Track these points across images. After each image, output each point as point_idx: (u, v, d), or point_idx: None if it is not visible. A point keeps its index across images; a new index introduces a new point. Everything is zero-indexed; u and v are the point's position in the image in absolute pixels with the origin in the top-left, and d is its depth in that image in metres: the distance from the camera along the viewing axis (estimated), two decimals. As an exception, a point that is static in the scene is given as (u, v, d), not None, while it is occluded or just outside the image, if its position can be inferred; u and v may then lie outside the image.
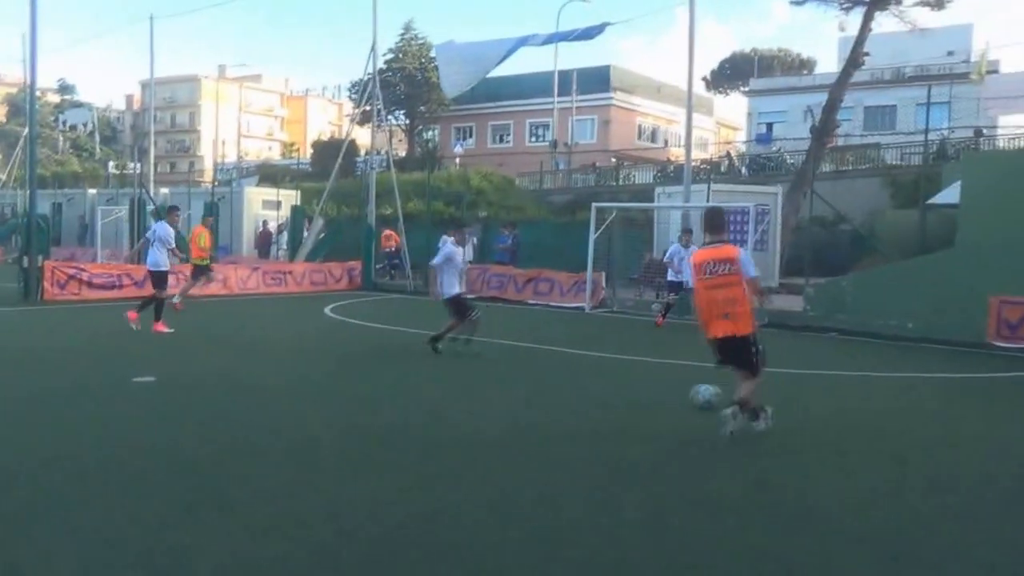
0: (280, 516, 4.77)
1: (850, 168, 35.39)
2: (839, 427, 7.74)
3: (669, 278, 16.06)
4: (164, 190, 35.97)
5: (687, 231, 16.22)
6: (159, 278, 13.03)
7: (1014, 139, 34.27)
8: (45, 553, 4.19)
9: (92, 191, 39.08)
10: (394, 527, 4.64)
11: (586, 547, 4.44)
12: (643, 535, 4.66)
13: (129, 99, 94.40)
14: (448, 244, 11.90)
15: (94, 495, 5.11)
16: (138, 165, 44.12)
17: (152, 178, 32.91)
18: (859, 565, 4.28)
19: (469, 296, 12.91)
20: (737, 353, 7.09)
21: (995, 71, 40.83)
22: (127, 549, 4.25)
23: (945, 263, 14.24)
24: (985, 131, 35.57)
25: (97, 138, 75.73)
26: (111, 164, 63.36)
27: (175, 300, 15.67)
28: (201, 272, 17.06)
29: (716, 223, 7.41)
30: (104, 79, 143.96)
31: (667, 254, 16.35)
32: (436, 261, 11.39)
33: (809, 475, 6.00)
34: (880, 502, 5.37)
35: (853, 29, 26.55)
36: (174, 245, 13.15)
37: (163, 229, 13.09)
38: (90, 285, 18.03)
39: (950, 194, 21.46)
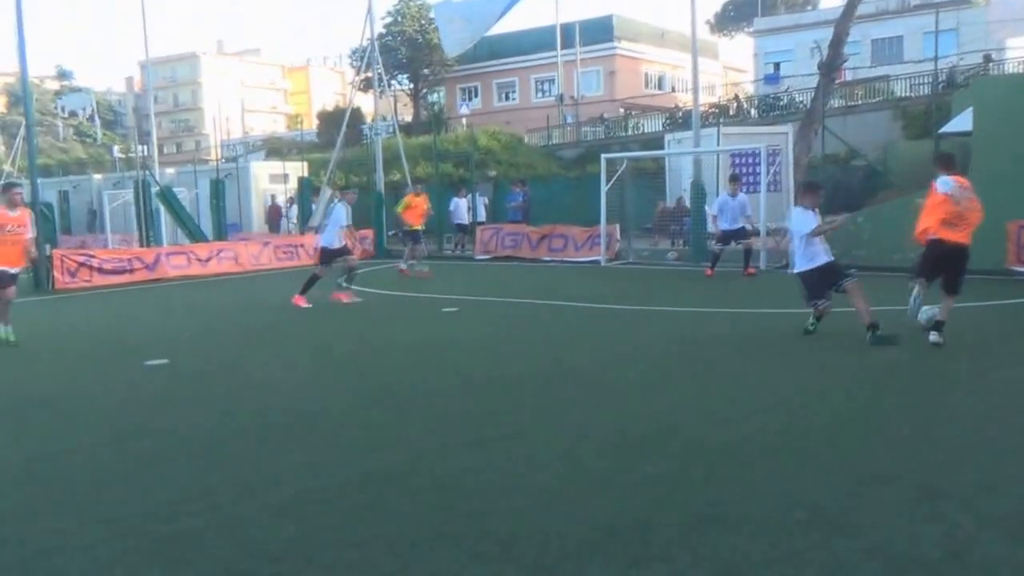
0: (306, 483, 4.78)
1: (860, 103, 34.89)
2: (861, 366, 7.67)
3: (723, 226, 15.17)
4: (170, 170, 35.96)
5: (735, 179, 15.80)
6: (327, 255, 13.34)
7: (1023, 62, 33.57)
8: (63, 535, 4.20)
9: (98, 177, 39.14)
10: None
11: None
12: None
13: (129, 81, 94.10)
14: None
15: (110, 478, 5.12)
16: (143, 148, 44.02)
17: (157, 159, 32.84)
18: (892, 502, 4.24)
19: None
20: (959, 263, 8.32)
21: (1001, -7, 39.95)
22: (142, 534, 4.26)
23: (962, 192, 14.01)
24: (994, 55, 34.84)
25: (98, 122, 75.63)
26: (115, 148, 63.28)
27: (406, 267, 17.55)
28: (412, 237, 17.59)
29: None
30: (103, 63, 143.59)
31: (714, 205, 15.76)
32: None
33: (833, 417, 5.95)
34: (907, 441, 5.32)
35: (857, -39, 25.92)
36: (350, 223, 13.37)
37: (339, 211, 13.35)
38: (101, 271, 18.01)
39: (962, 122, 21.08)
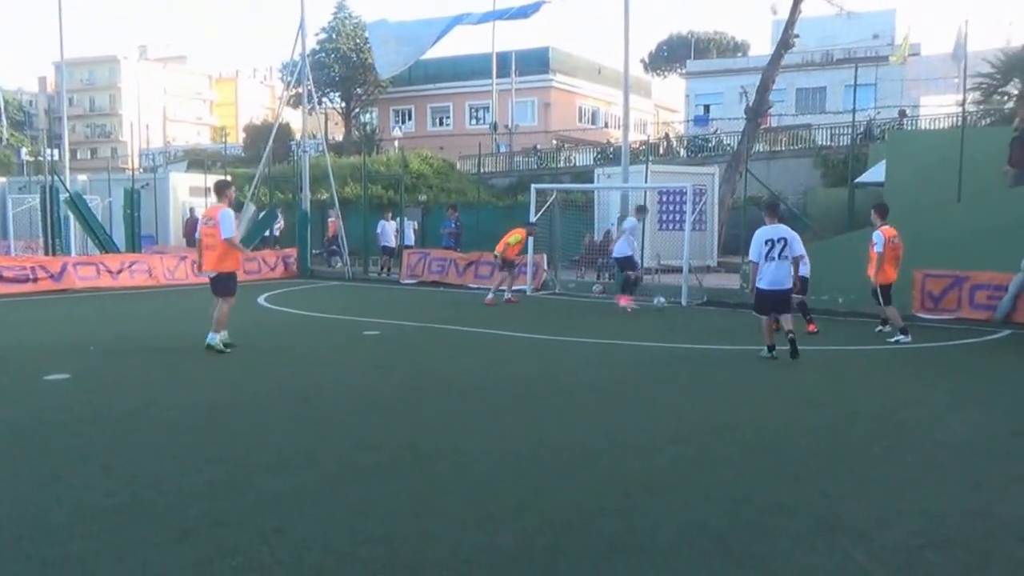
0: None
1: (783, 149, 36.09)
2: (773, 400, 7.89)
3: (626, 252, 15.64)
4: (82, 177, 34.75)
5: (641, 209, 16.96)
6: (626, 263, 15.43)
7: (935, 119, 35.33)
8: None
9: (2, 180, 37.54)
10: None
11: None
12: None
13: (42, 81, 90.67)
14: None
15: (3, 499, 4.90)
16: (53, 152, 42.40)
17: (68, 164, 31.65)
18: (792, 533, 4.34)
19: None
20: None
21: (916, 54, 42.08)
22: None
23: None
24: (908, 111, 36.60)
25: (4, 122, 72.60)
26: (23, 151, 60.82)
27: (505, 296, 16.69)
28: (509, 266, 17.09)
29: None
30: (14, 60, 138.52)
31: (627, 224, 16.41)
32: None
33: (744, 448, 6.08)
34: (811, 474, 5.47)
35: (784, 12, 27.04)
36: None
37: (630, 223, 15.76)
38: (1, 279, 17.23)
39: (876, 172, 22.08)
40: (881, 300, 11.81)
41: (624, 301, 15.31)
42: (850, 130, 23.30)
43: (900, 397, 8.23)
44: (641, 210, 16.74)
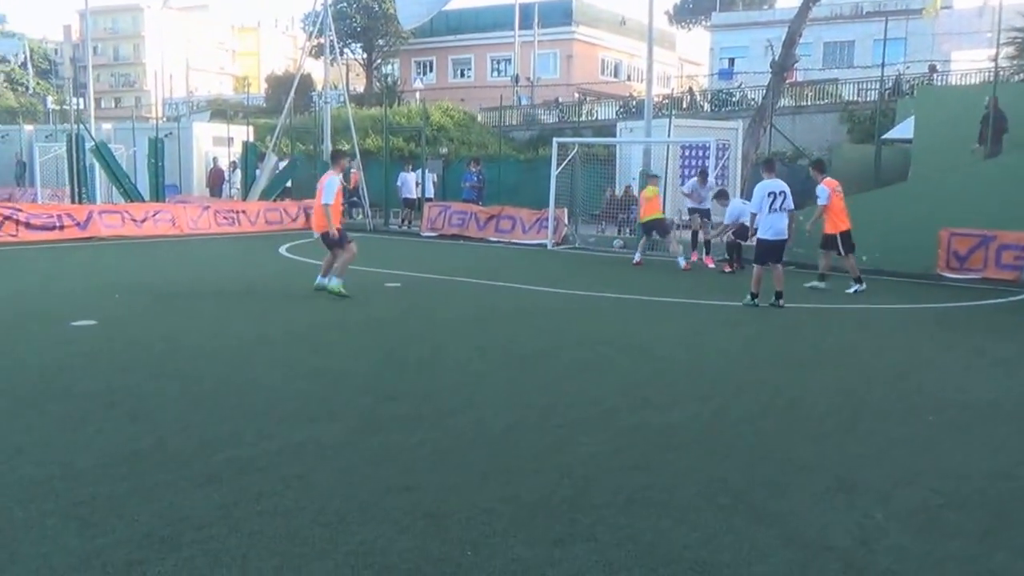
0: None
1: (809, 104, 35.47)
2: (793, 359, 7.87)
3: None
4: (107, 126, 34.75)
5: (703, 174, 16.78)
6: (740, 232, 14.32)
7: (966, 75, 34.53)
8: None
9: (29, 128, 37.59)
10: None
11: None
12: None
13: (67, 30, 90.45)
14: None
15: (31, 441, 5.01)
16: (78, 101, 42.43)
17: (93, 113, 31.70)
18: (811, 491, 4.37)
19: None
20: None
21: (948, 7, 40.98)
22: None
23: (898, 197, 14.44)
24: (939, 67, 35.78)
25: (31, 71, 72.65)
26: (49, 99, 60.87)
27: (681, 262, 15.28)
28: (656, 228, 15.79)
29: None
30: (39, 9, 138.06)
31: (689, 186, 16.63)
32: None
33: (763, 406, 6.09)
34: (830, 433, 5.48)
35: (814, -37, 26.32)
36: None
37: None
38: (28, 226, 17.35)
39: (904, 129, 21.69)
40: (842, 249, 12.20)
41: (709, 262, 15.43)
42: (878, 85, 22.83)
43: (922, 357, 8.19)
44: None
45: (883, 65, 20.01)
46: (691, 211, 16.44)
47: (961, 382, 7.16)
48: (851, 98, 35.12)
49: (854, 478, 4.63)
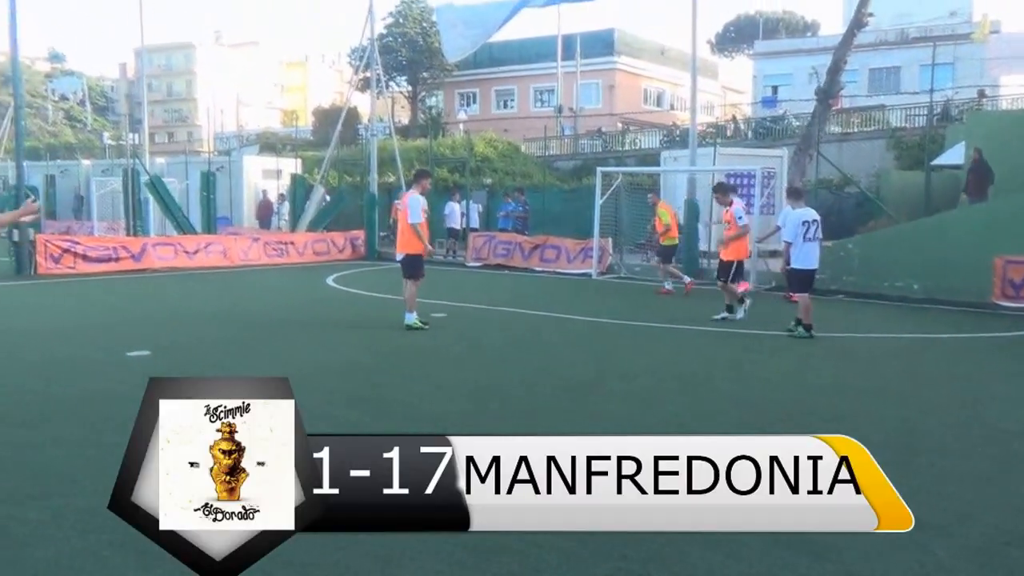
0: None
1: (855, 130, 35.12)
2: (846, 390, 7.73)
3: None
4: (160, 160, 35.70)
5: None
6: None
7: (1016, 99, 33.93)
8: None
9: (86, 162, 38.78)
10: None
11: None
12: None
13: (123, 67, 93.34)
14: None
15: (90, 470, 5.11)
16: (134, 136, 43.69)
17: (148, 148, 32.58)
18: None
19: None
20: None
21: (997, 31, 40.39)
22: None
23: (950, 224, 14.18)
24: (988, 91, 35.21)
25: (89, 108, 75.02)
26: (106, 135, 62.78)
27: (665, 286, 15.33)
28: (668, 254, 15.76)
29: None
30: (97, 47, 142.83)
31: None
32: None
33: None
34: (885, 468, 5.35)
35: (858, -11, 26.18)
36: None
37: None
38: (85, 258, 17.90)
39: (953, 154, 21.37)
40: (732, 278, 11.74)
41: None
42: (926, 111, 22.51)
43: (980, 387, 7.99)
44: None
45: (932, 91, 19.74)
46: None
47: (1022, 413, 6.97)
48: (898, 124, 34.71)
49: (914, 513, 4.51)
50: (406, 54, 53.63)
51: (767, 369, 8.78)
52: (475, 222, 24.58)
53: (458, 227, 23.69)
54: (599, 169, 20.10)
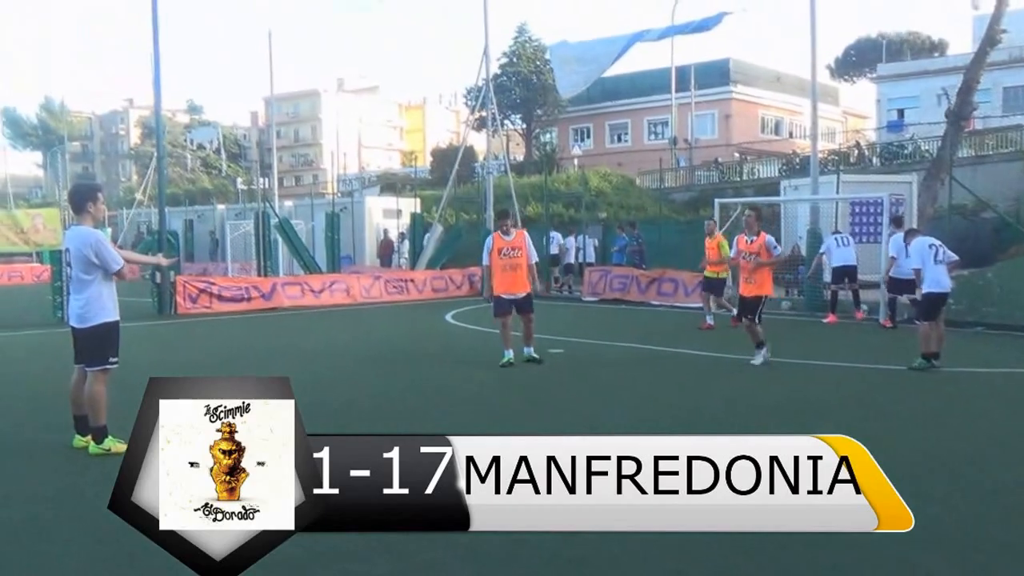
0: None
1: (991, 152, 33.35)
2: (991, 431, 7.28)
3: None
4: (288, 203, 37.37)
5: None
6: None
7: None
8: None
9: (221, 207, 40.98)
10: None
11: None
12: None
13: (254, 116, 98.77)
14: None
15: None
16: (264, 180, 46.02)
17: (277, 191, 34.26)
18: None
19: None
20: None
21: None
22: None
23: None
24: None
25: (223, 155, 79.47)
26: (239, 180, 66.37)
27: (708, 320, 15.08)
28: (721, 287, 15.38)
29: None
30: (230, 98, 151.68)
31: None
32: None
33: (949, 478, 5.65)
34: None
35: (987, 7, 25.05)
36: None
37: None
38: (220, 298, 18.83)
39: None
40: (760, 316, 10.67)
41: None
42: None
43: None
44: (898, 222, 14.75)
45: (1076, 108, 18.57)
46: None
47: None
48: (1038, 145, 32.75)
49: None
50: (520, 92, 54.54)
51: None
52: (591, 256, 24.59)
53: (573, 262, 23.74)
54: (717, 200, 19.79)
